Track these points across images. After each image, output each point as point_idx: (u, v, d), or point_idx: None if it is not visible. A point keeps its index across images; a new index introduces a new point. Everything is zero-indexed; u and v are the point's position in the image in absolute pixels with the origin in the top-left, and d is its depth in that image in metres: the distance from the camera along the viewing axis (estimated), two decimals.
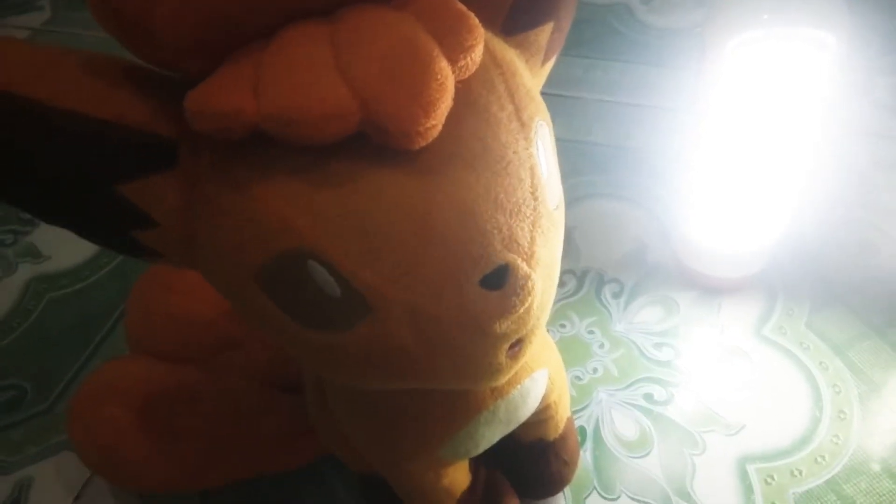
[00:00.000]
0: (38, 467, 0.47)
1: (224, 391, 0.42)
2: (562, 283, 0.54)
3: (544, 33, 0.28)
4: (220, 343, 0.43)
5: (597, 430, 0.46)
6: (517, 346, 0.25)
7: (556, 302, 0.52)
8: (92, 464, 0.42)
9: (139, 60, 0.23)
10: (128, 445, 0.39)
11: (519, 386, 0.32)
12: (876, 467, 0.43)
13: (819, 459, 0.43)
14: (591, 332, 0.51)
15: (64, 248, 0.61)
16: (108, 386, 0.41)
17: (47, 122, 0.21)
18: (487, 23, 0.26)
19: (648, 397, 0.47)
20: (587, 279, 0.54)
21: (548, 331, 0.50)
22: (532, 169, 0.24)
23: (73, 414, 0.41)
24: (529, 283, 0.23)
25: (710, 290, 0.52)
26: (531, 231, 0.24)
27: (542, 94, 0.27)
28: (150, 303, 0.44)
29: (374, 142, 0.21)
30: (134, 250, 0.25)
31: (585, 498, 0.43)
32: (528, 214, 0.24)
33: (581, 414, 0.47)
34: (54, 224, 0.24)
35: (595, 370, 0.49)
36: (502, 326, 0.23)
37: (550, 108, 0.27)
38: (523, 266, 0.23)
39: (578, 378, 0.48)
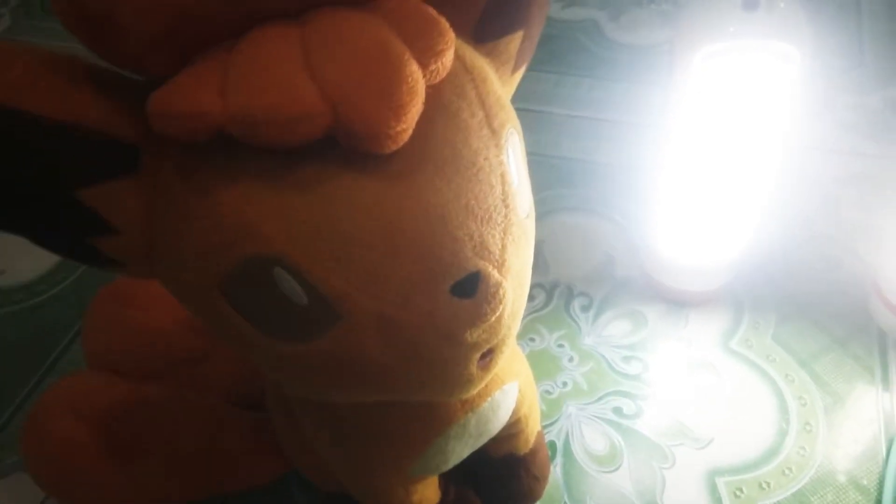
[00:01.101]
0: None
1: (185, 407, 0.41)
2: (531, 297, 0.54)
3: (514, 42, 0.28)
4: (182, 358, 0.42)
5: (567, 444, 0.45)
6: (488, 355, 0.25)
7: (525, 316, 0.52)
8: (45, 484, 0.40)
9: (101, 61, 0.22)
10: (84, 464, 0.38)
11: (489, 398, 0.31)
12: (842, 479, 0.43)
13: (786, 471, 0.43)
14: (560, 346, 0.51)
15: (19, 263, 0.59)
16: (64, 402, 0.39)
17: (3, 125, 0.21)
18: (458, 30, 0.25)
19: (618, 411, 0.47)
20: (556, 293, 0.54)
21: (517, 344, 0.50)
22: (503, 176, 0.24)
23: (27, 431, 0.39)
24: (501, 291, 0.23)
25: (678, 303, 0.53)
26: (502, 238, 0.24)
27: (513, 108, 0.27)
28: (108, 318, 0.43)
29: (343, 146, 0.21)
30: (93, 259, 0.24)
31: None
32: (499, 222, 0.24)
33: (551, 428, 0.46)
34: (9, 231, 0.23)
35: (565, 384, 0.49)
36: (473, 335, 0.23)
37: (520, 122, 0.27)
38: (495, 274, 0.23)
39: (548, 392, 0.48)
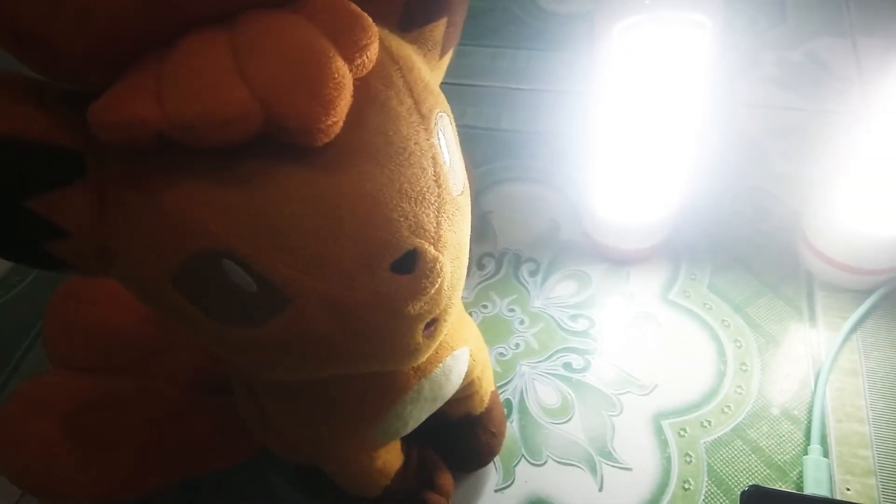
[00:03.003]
0: None
1: (151, 398, 0.42)
2: (481, 266, 0.56)
3: (439, 28, 0.29)
4: (143, 351, 0.43)
5: (521, 401, 0.48)
6: (432, 325, 0.27)
7: (477, 284, 0.55)
8: (22, 482, 0.41)
9: (37, 75, 0.23)
10: (58, 459, 0.39)
11: (441, 364, 0.33)
12: (775, 411, 0.46)
13: (725, 409, 0.47)
14: (511, 311, 0.53)
15: None
16: (33, 401, 0.40)
17: None
18: (383, 20, 0.27)
19: (567, 366, 0.50)
20: (505, 260, 0.56)
21: (471, 312, 0.53)
22: (434, 158, 0.26)
23: None
24: (438, 266, 0.24)
25: (619, 261, 0.55)
26: (436, 216, 0.25)
27: (452, 84, 0.29)
28: (67, 317, 0.43)
29: (279, 141, 0.22)
30: (48, 263, 0.25)
31: (515, 466, 0.45)
32: (432, 201, 0.25)
33: (506, 388, 0.49)
34: None
35: (517, 345, 0.51)
36: (416, 308, 0.25)
37: (461, 97, 0.28)
38: (431, 250, 0.24)
39: (502, 354, 0.51)
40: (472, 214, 0.30)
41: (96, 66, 0.22)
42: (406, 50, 0.27)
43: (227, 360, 0.34)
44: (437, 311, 0.26)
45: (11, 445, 0.40)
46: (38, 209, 0.23)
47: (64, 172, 0.23)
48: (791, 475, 0.43)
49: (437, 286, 0.25)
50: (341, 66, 0.22)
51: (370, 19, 0.24)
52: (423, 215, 0.25)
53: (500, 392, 0.48)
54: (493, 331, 0.52)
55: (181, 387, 0.43)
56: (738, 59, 0.69)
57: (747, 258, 0.55)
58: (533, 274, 0.55)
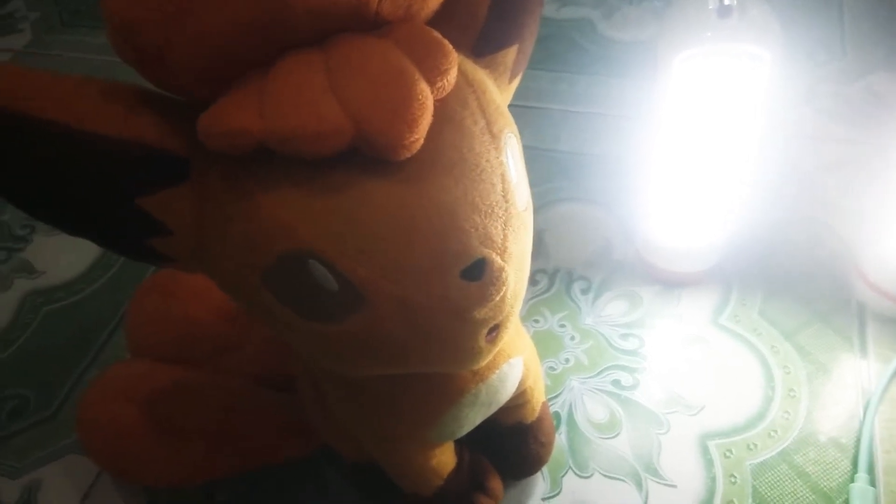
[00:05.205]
0: (45, 470, 0.49)
1: (222, 390, 0.45)
2: (534, 282, 0.58)
3: (510, 54, 0.31)
4: (218, 345, 0.46)
5: (570, 414, 0.49)
6: (494, 331, 0.28)
7: (529, 299, 0.56)
8: (100, 461, 0.44)
9: (152, 86, 0.26)
10: (134, 442, 0.42)
11: (497, 371, 0.35)
12: (822, 438, 0.47)
13: (772, 434, 0.47)
14: (562, 326, 0.55)
15: (57, 264, 0.63)
16: (114, 386, 0.44)
17: (75, 145, 0.24)
18: (460, 47, 0.29)
19: (616, 383, 0.51)
20: (558, 277, 0.58)
21: (523, 325, 0.54)
22: (503, 175, 0.28)
23: (81, 414, 0.43)
24: (504, 275, 0.26)
25: (671, 284, 0.56)
26: (503, 229, 0.27)
27: (514, 106, 0.31)
28: (150, 309, 0.47)
29: (365, 154, 0.24)
30: (150, 257, 0.28)
31: (562, 477, 0.46)
32: (500, 215, 0.27)
33: (556, 401, 0.50)
34: (80, 236, 0.27)
35: (567, 360, 0.52)
36: (481, 313, 0.27)
37: (521, 119, 0.30)
38: (497, 259, 0.26)
39: (552, 368, 0.52)
40: None
41: (206, 82, 0.25)
42: (480, 74, 0.30)
43: (302, 355, 0.37)
44: (500, 318, 0.28)
45: (93, 426, 0.43)
46: (147, 208, 0.26)
47: (172, 176, 0.26)
48: (836, 502, 0.44)
49: (501, 293, 0.27)
50: (424, 88, 0.24)
51: (450, 46, 0.26)
52: (492, 227, 0.27)
53: (549, 404, 0.50)
54: (544, 345, 0.53)
55: (249, 382, 0.45)
56: (795, 90, 0.70)
57: (799, 287, 0.55)
58: (585, 292, 0.57)
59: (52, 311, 0.59)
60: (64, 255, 0.63)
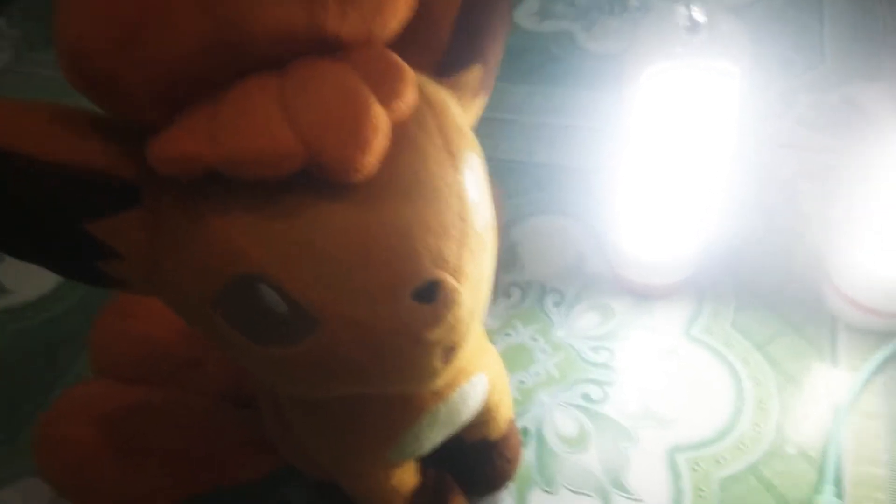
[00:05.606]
0: (2, 494, 0.48)
1: (183, 408, 0.44)
2: (507, 294, 0.57)
3: (474, 73, 0.31)
4: (178, 363, 0.45)
5: (539, 430, 0.49)
6: (450, 351, 0.28)
7: (502, 312, 0.56)
8: (57, 485, 0.43)
9: (102, 111, 0.25)
10: (93, 464, 0.41)
11: (458, 389, 0.35)
12: (791, 450, 0.47)
13: (741, 446, 0.47)
14: (534, 339, 0.54)
15: (26, 283, 0.62)
16: (72, 408, 0.43)
17: (23, 170, 0.24)
18: (423, 67, 0.29)
19: (586, 397, 0.51)
20: (531, 290, 0.58)
21: (494, 339, 0.54)
22: (459, 195, 0.27)
23: (41, 435, 0.42)
24: (457, 296, 0.26)
25: (643, 295, 0.56)
26: (458, 250, 0.27)
27: (488, 118, 0.31)
28: (113, 330, 0.46)
29: (318, 177, 0.24)
30: (100, 280, 0.28)
31: (528, 492, 0.46)
32: (455, 235, 0.27)
33: (525, 415, 0.50)
34: (27, 260, 0.27)
35: (538, 374, 0.52)
36: (434, 334, 0.26)
37: (497, 131, 0.30)
38: (451, 281, 0.26)
39: (522, 382, 0.52)
40: (501, 244, 0.31)
41: (158, 106, 0.24)
42: (441, 94, 0.29)
43: (258, 377, 0.36)
44: (456, 339, 0.28)
45: (50, 449, 0.43)
46: (96, 232, 0.26)
47: (122, 200, 0.26)
48: None
49: (455, 315, 0.26)
50: (379, 111, 0.24)
51: (409, 69, 0.26)
52: (446, 248, 0.26)
53: (518, 419, 0.49)
54: (515, 359, 0.53)
55: (212, 399, 0.45)
56: (773, 100, 0.70)
57: (771, 297, 0.55)
58: (557, 304, 0.57)
59: (16, 330, 0.59)
60: (32, 275, 0.62)
